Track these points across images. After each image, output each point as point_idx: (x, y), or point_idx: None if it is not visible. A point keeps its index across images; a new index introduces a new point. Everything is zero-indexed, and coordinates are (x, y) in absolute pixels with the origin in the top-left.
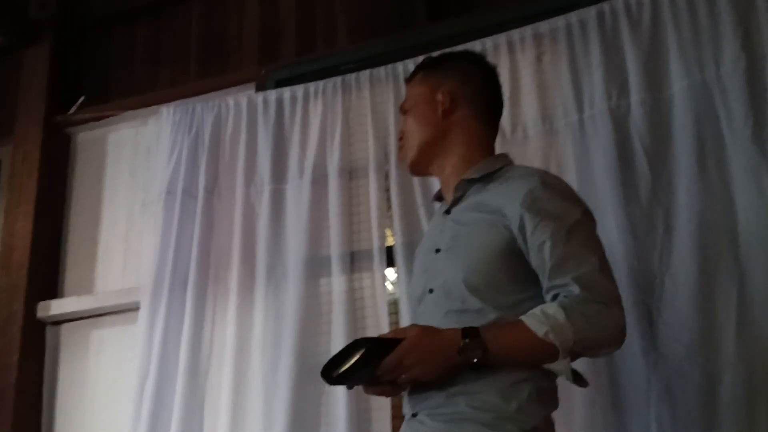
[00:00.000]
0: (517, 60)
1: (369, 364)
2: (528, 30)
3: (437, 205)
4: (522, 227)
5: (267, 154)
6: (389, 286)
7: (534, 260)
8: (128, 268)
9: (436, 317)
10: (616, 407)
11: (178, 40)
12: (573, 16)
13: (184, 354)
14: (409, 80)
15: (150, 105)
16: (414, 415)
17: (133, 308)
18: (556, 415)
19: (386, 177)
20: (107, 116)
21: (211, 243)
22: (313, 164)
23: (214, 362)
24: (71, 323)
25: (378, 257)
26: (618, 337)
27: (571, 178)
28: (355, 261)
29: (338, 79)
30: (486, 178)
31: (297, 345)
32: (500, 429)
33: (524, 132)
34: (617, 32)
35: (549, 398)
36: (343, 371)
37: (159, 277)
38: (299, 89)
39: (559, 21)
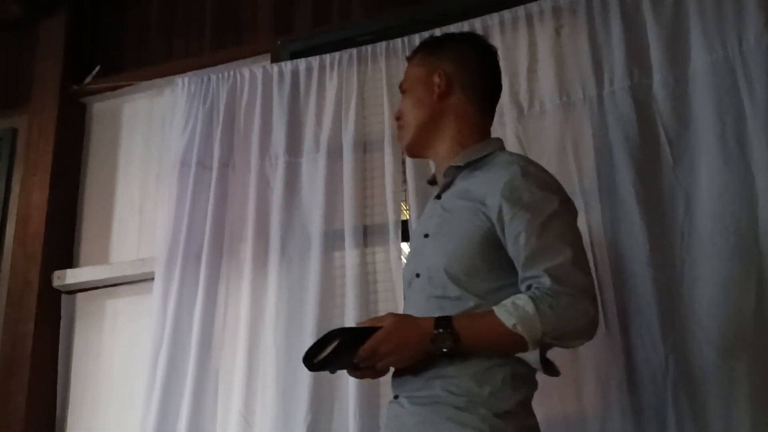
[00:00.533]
0: (536, 33)
1: (346, 353)
2: (547, 2)
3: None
4: (500, 217)
5: (282, 126)
6: (404, 261)
7: (510, 250)
8: (143, 239)
9: (420, 302)
10: (632, 386)
11: (193, 10)
12: None
13: (197, 325)
14: (409, 59)
15: (165, 75)
16: (396, 398)
17: (148, 279)
18: (566, 390)
19: (402, 150)
20: (122, 86)
21: (225, 215)
22: (328, 137)
23: (227, 334)
24: (86, 293)
25: (393, 231)
26: (588, 329)
27: (589, 154)
28: (369, 235)
29: (354, 51)
30: (473, 165)
31: (311, 319)
32: (473, 412)
33: (541, 106)
34: (638, 6)
35: (524, 383)
36: (321, 359)
37: (173, 249)
38: (314, 61)
39: None
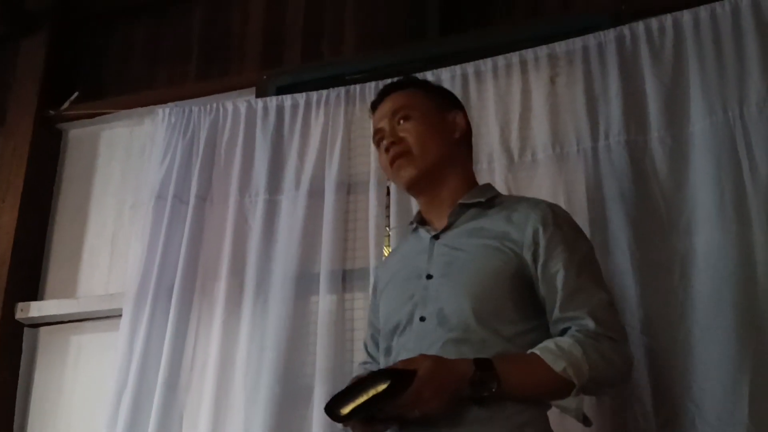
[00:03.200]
0: (530, 80)
1: (384, 399)
2: (543, 50)
3: (411, 228)
4: (535, 254)
5: (263, 162)
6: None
7: (543, 288)
8: (113, 273)
9: (432, 346)
10: None
11: (179, 39)
12: (590, 39)
13: (164, 366)
14: (399, 88)
15: (146, 104)
16: None
17: (116, 315)
18: None
19: (387, 193)
20: (101, 113)
21: (200, 252)
22: (310, 176)
23: (195, 377)
24: (50, 327)
25: (374, 277)
26: (627, 374)
27: (582, 208)
28: (348, 280)
29: (342, 90)
30: (488, 203)
31: (282, 365)
32: None
33: (533, 155)
34: (637, 59)
35: None
36: (360, 405)
37: (143, 285)
38: (301, 97)
39: (576, 43)
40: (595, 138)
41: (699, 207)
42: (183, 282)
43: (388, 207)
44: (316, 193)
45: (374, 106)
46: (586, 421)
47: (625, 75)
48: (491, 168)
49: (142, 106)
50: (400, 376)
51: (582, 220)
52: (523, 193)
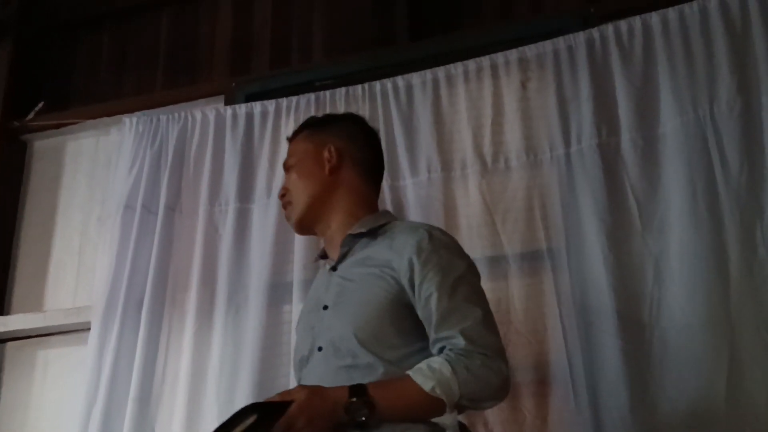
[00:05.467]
0: (501, 85)
1: (259, 430)
2: (513, 54)
3: (320, 264)
4: (411, 279)
5: (234, 170)
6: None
7: (421, 312)
8: (80, 286)
9: (327, 375)
10: None
11: (145, 47)
12: (561, 42)
13: (135, 380)
14: (292, 138)
15: (112, 114)
16: None
17: (84, 328)
18: None
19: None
20: (67, 124)
21: (170, 263)
22: (281, 183)
23: (166, 390)
24: (17, 341)
25: None
26: (501, 390)
27: (556, 214)
28: None
29: (312, 96)
30: (372, 233)
31: (255, 376)
32: None
33: (506, 162)
34: (607, 62)
35: None
36: None
37: (112, 297)
38: (270, 104)
39: (546, 46)
40: (567, 143)
41: (672, 207)
42: (153, 293)
43: None
44: None
45: None
46: None
47: (595, 78)
48: (464, 174)
49: (108, 115)
50: (269, 408)
51: (556, 224)
52: (498, 200)
